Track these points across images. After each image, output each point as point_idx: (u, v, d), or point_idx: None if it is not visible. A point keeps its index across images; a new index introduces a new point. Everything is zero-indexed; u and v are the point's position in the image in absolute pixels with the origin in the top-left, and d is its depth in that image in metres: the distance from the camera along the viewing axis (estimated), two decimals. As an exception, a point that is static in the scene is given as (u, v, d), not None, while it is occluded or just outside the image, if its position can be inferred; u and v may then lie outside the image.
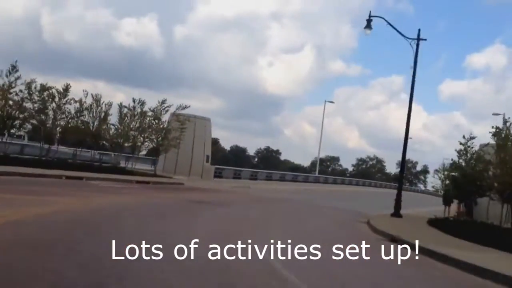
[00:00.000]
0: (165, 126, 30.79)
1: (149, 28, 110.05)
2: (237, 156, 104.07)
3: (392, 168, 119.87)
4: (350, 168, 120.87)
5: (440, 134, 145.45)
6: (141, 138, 30.36)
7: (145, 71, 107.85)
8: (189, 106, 30.91)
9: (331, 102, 53.62)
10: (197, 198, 18.83)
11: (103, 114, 29.49)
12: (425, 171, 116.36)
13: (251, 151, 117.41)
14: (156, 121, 30.32)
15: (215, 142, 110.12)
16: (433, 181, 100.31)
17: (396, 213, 22.08)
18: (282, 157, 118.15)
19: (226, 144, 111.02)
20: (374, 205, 31.99)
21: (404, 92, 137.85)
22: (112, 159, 33.61)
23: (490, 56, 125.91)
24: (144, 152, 36.86)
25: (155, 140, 30.53)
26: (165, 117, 31.19)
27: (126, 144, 31.33)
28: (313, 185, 45.22)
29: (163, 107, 30.10)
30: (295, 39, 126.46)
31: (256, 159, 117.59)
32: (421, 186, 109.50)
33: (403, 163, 24.16)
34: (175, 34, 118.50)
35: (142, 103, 29.63)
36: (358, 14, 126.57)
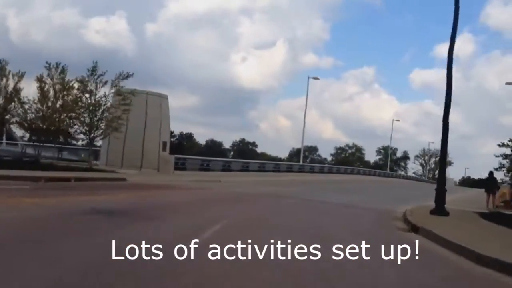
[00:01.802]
0: (102, 102, 21.80)
1: (119, 26, 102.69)
2: (213, 150, 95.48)
3: (371, 156, 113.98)
4: (329, 158, 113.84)
5: (412, 122, 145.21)
6: (67, 119, 21.28)
7: (117, 70, 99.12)
8: (132, 74, 22.08)
9: (316, 78, 45.09)
10: (118, 204, 10.15)
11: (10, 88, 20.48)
12: (405, 157, 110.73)
13: (227, 145, 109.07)
14: (87, 95, 21.29)
15: (189, 136, 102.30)
16: (413, 167, 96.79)
17: (440, 210, 14.06)
18: (259, 150, 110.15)
19: (202, 139, 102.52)
20: (388, 197, 24.03)
21: (377, 82, 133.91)
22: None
23: (458, 45, 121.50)
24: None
25: (86, 121, 21.47)
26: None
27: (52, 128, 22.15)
28: (299, 175, 36.93)
29: (96, 77, 21.15)
30: (267, 34, 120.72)
31: (232, 153, 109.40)
32: (402, 173, 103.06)
33: (444, 150, 15.31)
34: (147, 32, 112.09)
35: (63, 71, 20.55)
36: (328, 7, 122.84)
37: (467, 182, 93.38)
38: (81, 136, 22.89)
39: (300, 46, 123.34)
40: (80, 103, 20.99)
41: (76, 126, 21.81)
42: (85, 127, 21.50)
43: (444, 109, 14.59)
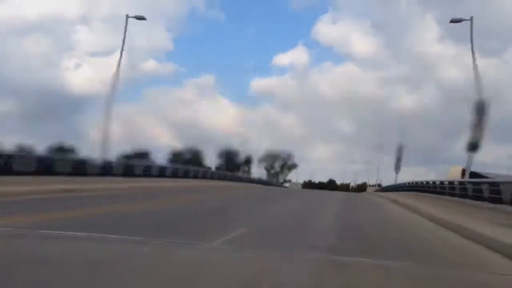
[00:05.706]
0: None
1: None
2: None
3: (211, 161, 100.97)
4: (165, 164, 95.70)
5: (252, 127, 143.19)
6: None
7: None
8: None
9: (141, 18, 25.89)
10: None
11: None
12: (248, 161, 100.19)
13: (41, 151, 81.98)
14: None
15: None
16: (257, 171, 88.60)
17: None
18: (81, 155, 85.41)
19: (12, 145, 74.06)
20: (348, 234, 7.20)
21: (217, 90, 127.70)
22: None
23: (294, 56, 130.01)
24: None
25: None
26: None
27: None
28: (102, 181, 16.69)
29: None
30: (106, 42, 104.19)
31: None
32: (245, 176, 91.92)
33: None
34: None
35: None
36: (172, 18, 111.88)
37: (308, 185, 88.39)
38: None
39: (141, 54, 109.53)
40: None
41: None
42: None
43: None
